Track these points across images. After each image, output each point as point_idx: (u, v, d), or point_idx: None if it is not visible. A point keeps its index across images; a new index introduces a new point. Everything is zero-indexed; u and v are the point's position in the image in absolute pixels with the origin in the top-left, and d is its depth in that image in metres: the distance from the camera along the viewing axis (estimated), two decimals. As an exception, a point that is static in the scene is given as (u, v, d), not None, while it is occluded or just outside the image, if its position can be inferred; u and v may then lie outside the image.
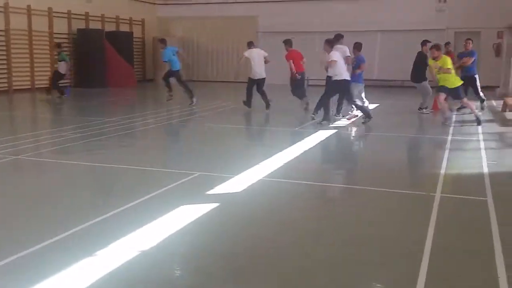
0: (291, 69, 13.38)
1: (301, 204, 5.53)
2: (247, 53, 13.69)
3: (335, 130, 10.16)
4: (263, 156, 7.60)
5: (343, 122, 11.45)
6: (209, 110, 13.55)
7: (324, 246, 4.28)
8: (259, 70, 13.51)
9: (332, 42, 11.35)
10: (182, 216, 4.91)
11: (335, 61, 10.84)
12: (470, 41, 13.66)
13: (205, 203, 5.33)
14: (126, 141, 9.33)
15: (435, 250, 4.11)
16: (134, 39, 23.51)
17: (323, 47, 11.33)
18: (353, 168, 7.36)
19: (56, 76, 15.87)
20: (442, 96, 10.85)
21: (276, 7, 23.71)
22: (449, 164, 7.31)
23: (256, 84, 13.52)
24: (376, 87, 22.14)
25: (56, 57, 16.85)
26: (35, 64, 18.76)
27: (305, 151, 8.16)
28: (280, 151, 8.02)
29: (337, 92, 11.48)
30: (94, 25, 21.49)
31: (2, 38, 17.43)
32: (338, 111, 12.10)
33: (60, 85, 16.07)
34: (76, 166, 7.37)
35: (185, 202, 5.31)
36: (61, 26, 19.92)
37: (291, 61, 13.38)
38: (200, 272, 3.81)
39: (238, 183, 6.16)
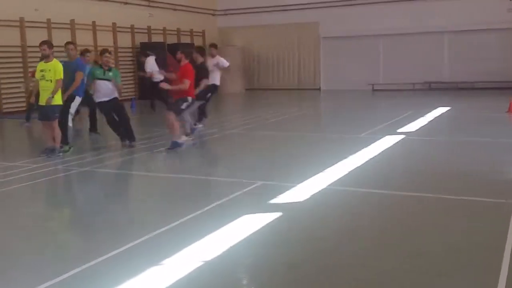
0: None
1: (366, 213, 5.30)
2: None
3: (402, 136, 9.73)
4: (327, 163, 7.37)
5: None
6: (272, 118, 13.43)
7: (390, 257, 4.07)
8: None
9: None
10: (245, 226, 4.81)
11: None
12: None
13: (267, 212, 5.21)
14: (189, 151, 9.33)
15: (517, 262, 3.77)
16: (195, 50, 23.84)
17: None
18: (422, 175, 6.96)
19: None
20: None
21: (337, 12, 23.36)
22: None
23: None
24: (446, 89, 21.34)
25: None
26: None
27: (370, 158, 7.84)
28: (345, 158, 7.76)
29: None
30: (156, 38, 22.01)
31: (70, 54, 18.12)
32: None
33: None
34: (141, 177, 7.46)
35: (247, 212, 5.21)
36: (124, 40, 20.53)
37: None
38: (264, 283, 3.71)
39: (301, 192, 6.00)
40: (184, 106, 9.10)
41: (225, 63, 12.01)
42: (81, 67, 9.07)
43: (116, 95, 9.32)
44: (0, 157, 9.21)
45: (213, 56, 11.97)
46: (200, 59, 10.65)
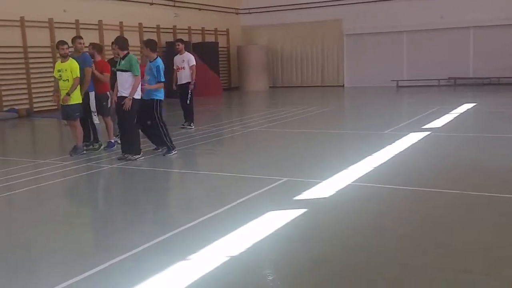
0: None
1: (392, 210, 5.30)
2: None
3: (427, 133, 9.69)
4: (351, 160, 7.40)
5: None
6: (296, 116, 13.48)
7: (419, 254, 4.05)
8: None
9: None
10: (271, 222, 4.86)
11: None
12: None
13: (293, 208, 5.25)
14: (214, 148, 9.47)
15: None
16: (219, 49, 24.04)
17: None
18: (448, 171, 6.94)
19: None
20: None
21: (360, 9, 23.26)
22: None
23: None
24: (471, 85, 21.07)
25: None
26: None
27: (396, 155, 7.84)
28: (370, 155, 7.77)
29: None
30: (182, 37, 22.18)
31: (98, 54, 18.47)
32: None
33: None
34: (167, 174, 7.59)
35: (273, 208, 5.27)
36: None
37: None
38: (290, 279, 3.74)
39: (326, 188, 6.03)
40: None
41: (192, 60, 11.22)
42: (88, 62, 8.88)
43: (125, 93, 7.95)
44: (31, 155, 9.48)
45: (180, 52, 11.27)
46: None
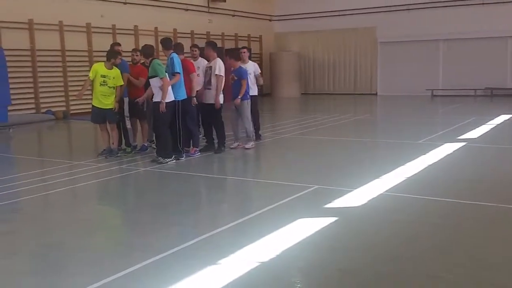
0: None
1: (424, 221, 5.20)
2: None
3: (463, 144, 9.50)
4: (384, 169, 7.31)
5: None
6: (328, 123, 13.42)
7: (451, 267, 3.97)
8: None
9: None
10: (301, 230, 4.85)
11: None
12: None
13: (323, 217, 5.22)
14: (245, 154, 9.49)
15: None
16: (252, 55, 24.10)
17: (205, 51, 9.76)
18: (483, 183, 6.78)
19: None
20: None
21: (394, 17, 22.99)
22: None
23: None
24: (509, 96, 20.58)
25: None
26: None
27: (429, 165, 7.71)
28: (403, 164, 7.66)
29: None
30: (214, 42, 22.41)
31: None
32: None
33: None
34: (199, 178, 7.64)
35: (303, 216, 5.25)
36: (184, 45, 21.01)
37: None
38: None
39: (358, 197, 5.98)
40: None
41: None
42: (126, 68, 9.07)
43: (158, 98, 8.08)
44: (67, 156, 9.68)
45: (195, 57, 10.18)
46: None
